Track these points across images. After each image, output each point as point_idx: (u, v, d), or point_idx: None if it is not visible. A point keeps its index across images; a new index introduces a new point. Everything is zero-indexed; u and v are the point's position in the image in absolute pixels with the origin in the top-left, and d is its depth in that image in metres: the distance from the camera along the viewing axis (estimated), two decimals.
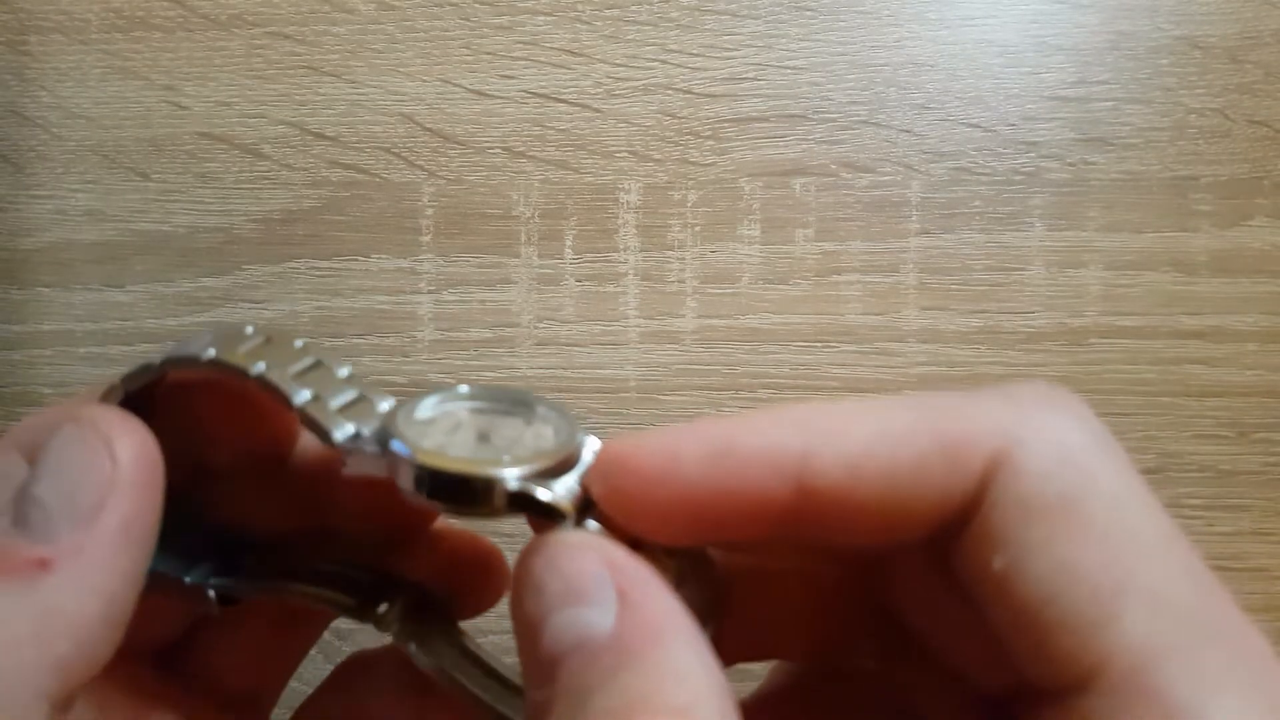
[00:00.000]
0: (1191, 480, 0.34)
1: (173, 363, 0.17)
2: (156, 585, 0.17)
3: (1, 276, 0.35)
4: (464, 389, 0.18)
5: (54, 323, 0.35)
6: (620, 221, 0.34)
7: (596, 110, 0.34)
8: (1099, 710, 0.13)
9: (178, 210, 0.35)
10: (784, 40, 0.34)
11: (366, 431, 0.16)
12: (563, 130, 0.34)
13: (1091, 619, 0.14)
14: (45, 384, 0.35)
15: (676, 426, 0.16)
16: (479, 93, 0.34)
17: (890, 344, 0.34)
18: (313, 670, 0.33)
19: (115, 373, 0.35)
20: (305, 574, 0.20)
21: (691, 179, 0.34)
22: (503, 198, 0.34)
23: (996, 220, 0.34)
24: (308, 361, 0.17)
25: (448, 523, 0.23)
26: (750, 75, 0.34)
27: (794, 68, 0.34)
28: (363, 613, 0.20)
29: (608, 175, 0.34)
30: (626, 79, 0.34)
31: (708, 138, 0.34)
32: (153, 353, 0.18)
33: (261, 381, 0.16)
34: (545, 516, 0.15)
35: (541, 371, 0.34)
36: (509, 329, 0.34)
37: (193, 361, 0.17)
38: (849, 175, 0.34)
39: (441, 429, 0.17)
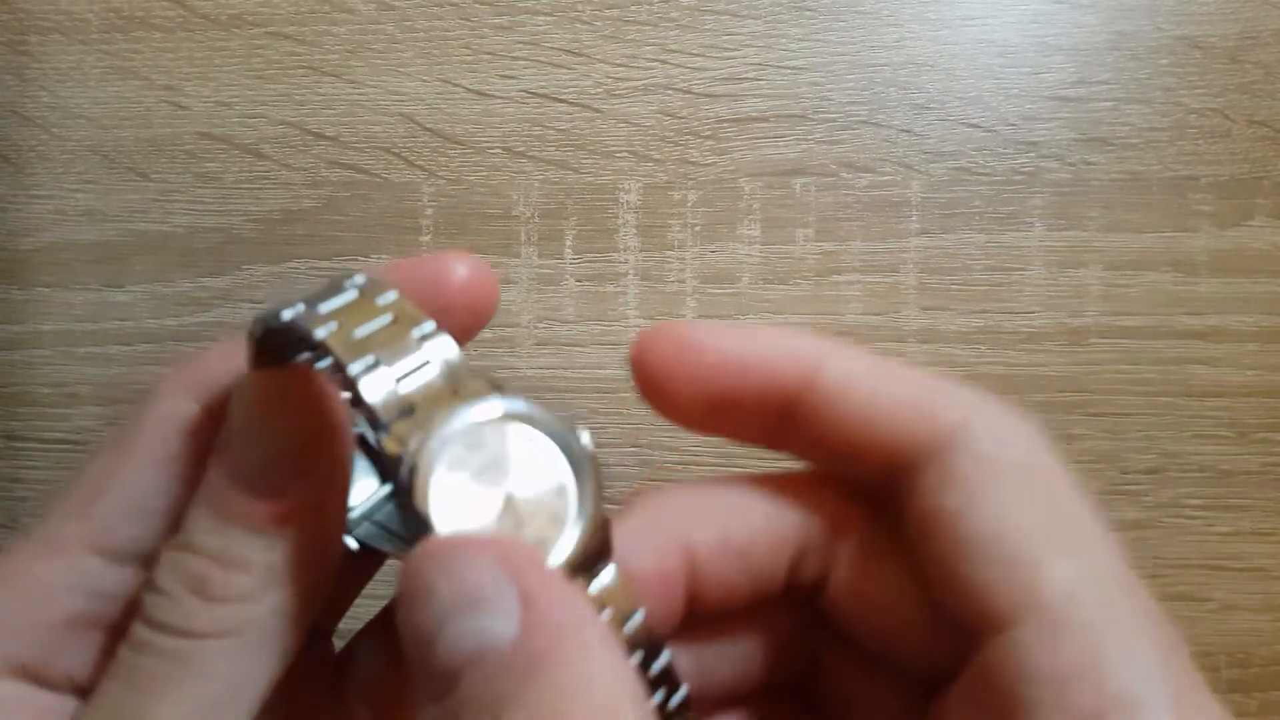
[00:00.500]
0: (1191, 480, 0.34)
1: (259, 323, 0.17)
2: None
3: (1, 276, 0.35)
4: (501, 407, 0.16)
5: (53, 323, 0.35)
6: (620, 221, 0.34)
7: (596, 110, 0.34)
8: (1029, 640, 0.15)
9: (177, 210, 0.35)
10: (784, 40, 0.34)
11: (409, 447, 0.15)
12: (563, 130, 0.34)
13: (1029, 557, 0.15)
14: (45, 384, 0.35)
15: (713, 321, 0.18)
16: (479, 93, 0.34)
17: (890, 344, 0.34)
18: None
19: (115, 373, 0.35)
20: None
21: (691, 179, 0.34)
22: (503, 198, 0.34)
23: (996, 220, 0.34)
24: (382, 321, 0.16)
25: None
26: (750, 75, 0.34)
27: (794, 68, 0.34)
28: None
29: (608, 175, 0.34)
30: (626, 79, 0.34)
31: (708, 138, 0.34)
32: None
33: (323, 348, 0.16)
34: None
35: (542, 371, 0.34)
36: (509, 329, 0.34)
37: (274, 319, 0.16)
38: (849, 175, 0.34)
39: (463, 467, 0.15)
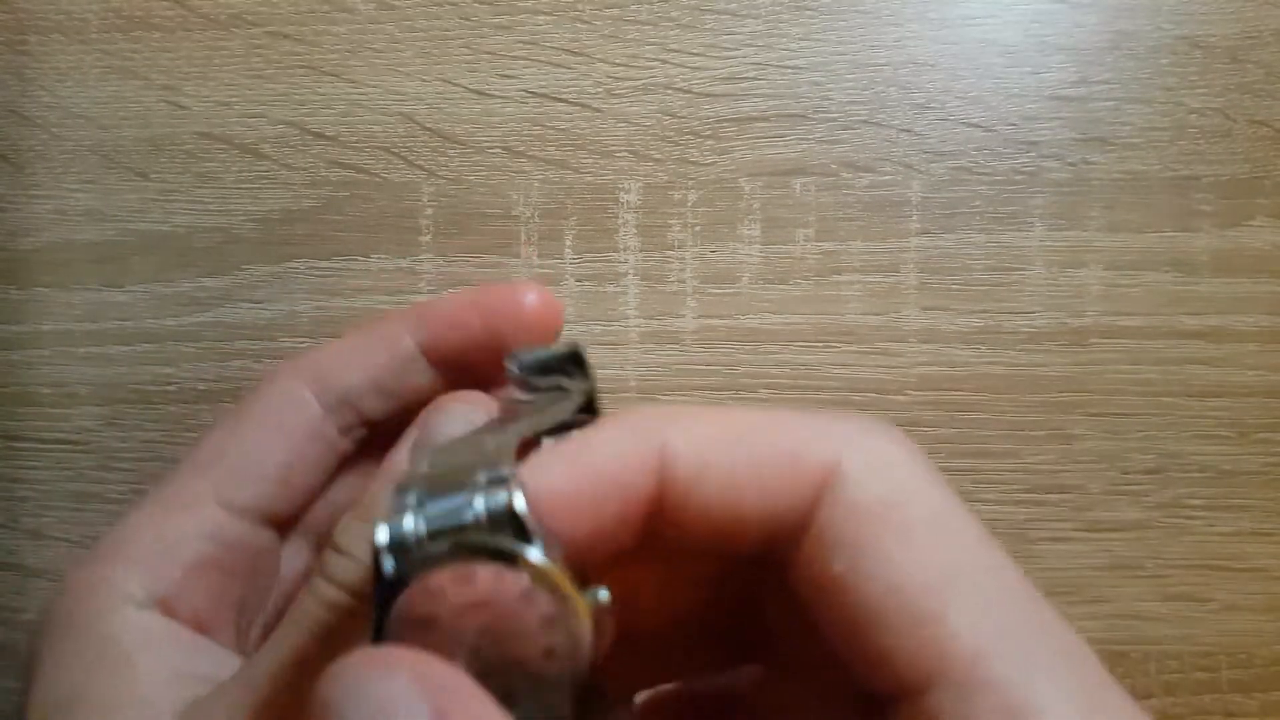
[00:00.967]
0: (1192, 481, 0.33)
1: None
2: None
3: (0, 277, 0.35)
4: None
5: (53, 323, 0.35)
6: (620, 221, 0.34)
7: (596, 110, 0.34)
8: (944, 705, 0.14)
9: (177, 210, 0.35)
10: (784, 40, 0.34)
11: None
12: (562, 130, 0.34)
13: (929, 612, 0.14)
14: (44, 384, 0.35)
15: (546, 453, 0.17)
16: (479, 92, 0.34)
17: (891, 344, 0.34)
18: None
19: (115, 373, 0.35)
20: None
21: (691, 179, 0.34)
22: (502, 198, 0.34)
23: (997, 220, 0.33)
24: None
25: None
26: (750, 75, 0.34)
27: (794, 67, 0.34)
28: None
29: (607, 175, 0.34)
30: (626, 78, 0.34)
31: (708, 137, 0.34)
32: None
33: None
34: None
35: None
36: None
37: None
38: (849, 175, 0.34)
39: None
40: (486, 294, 0.24)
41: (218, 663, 0.23)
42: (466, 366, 0.26)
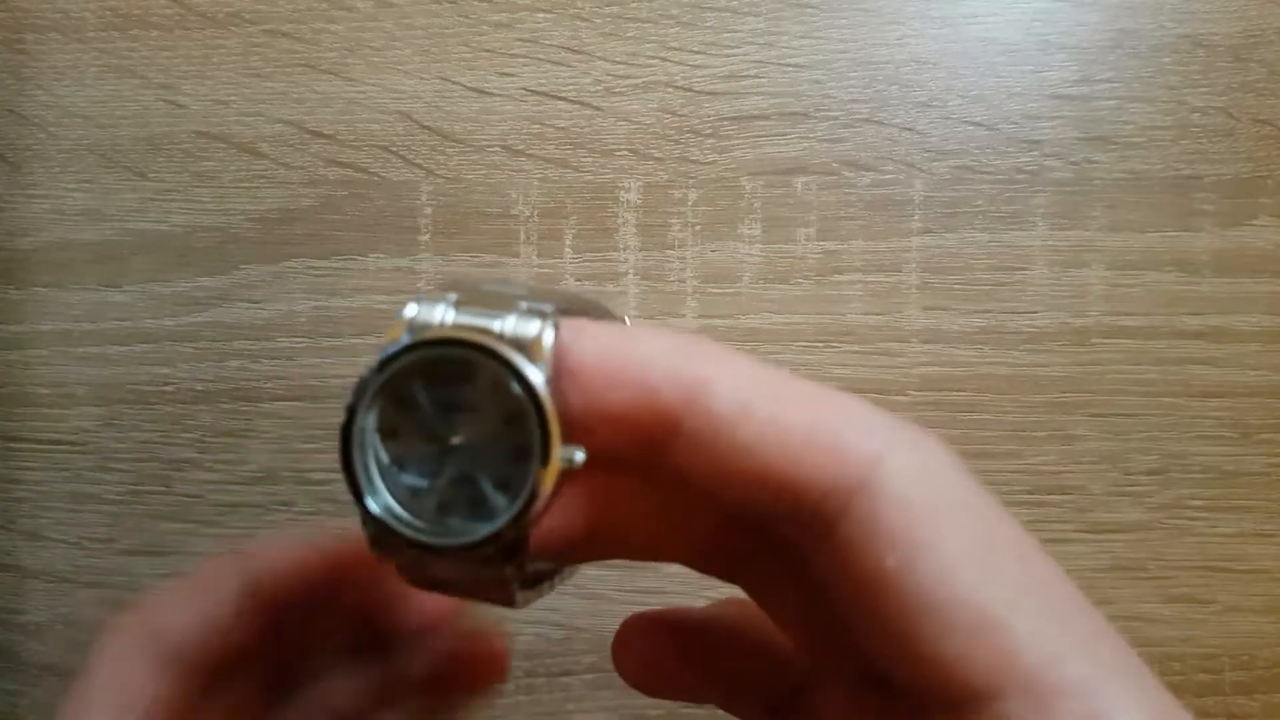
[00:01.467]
0: (1194, 481, 0.33)
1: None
2: None
3: None
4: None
5: (51, 323, 0.35)
6: (620, 220, 0.34)
7: (596, 108, 0.34)
8: (1015, 712, 0.14)
9: (175, 209, 0.34)
10: (785, 38, 0.34)
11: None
12: (562, 128, 0.34)
13: (995, 619, 0.14)
14: (42, 384, 0.35)
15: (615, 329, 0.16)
16: (478, 90, 0.34)
17: (892, 344, 0.33)
18: None
19: (113, 373, 0.35)
20: None
21: (692, 177, 0.34)
22: (502, 197, 0.34)
23: (999, 219, 0.33)
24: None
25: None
26: (751, 73, 0.34)
27: (795, 65, 0.34)
28: None
29: (607, 174, 0.34)
30: (626, 77, 0.34)
31: (708, 136, 0.34)
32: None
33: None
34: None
35: None
36: None
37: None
38: (851, 174, 0.33)
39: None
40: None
41: None
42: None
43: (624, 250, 0.34)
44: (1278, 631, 0.33)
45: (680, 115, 0.34)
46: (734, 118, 0.34)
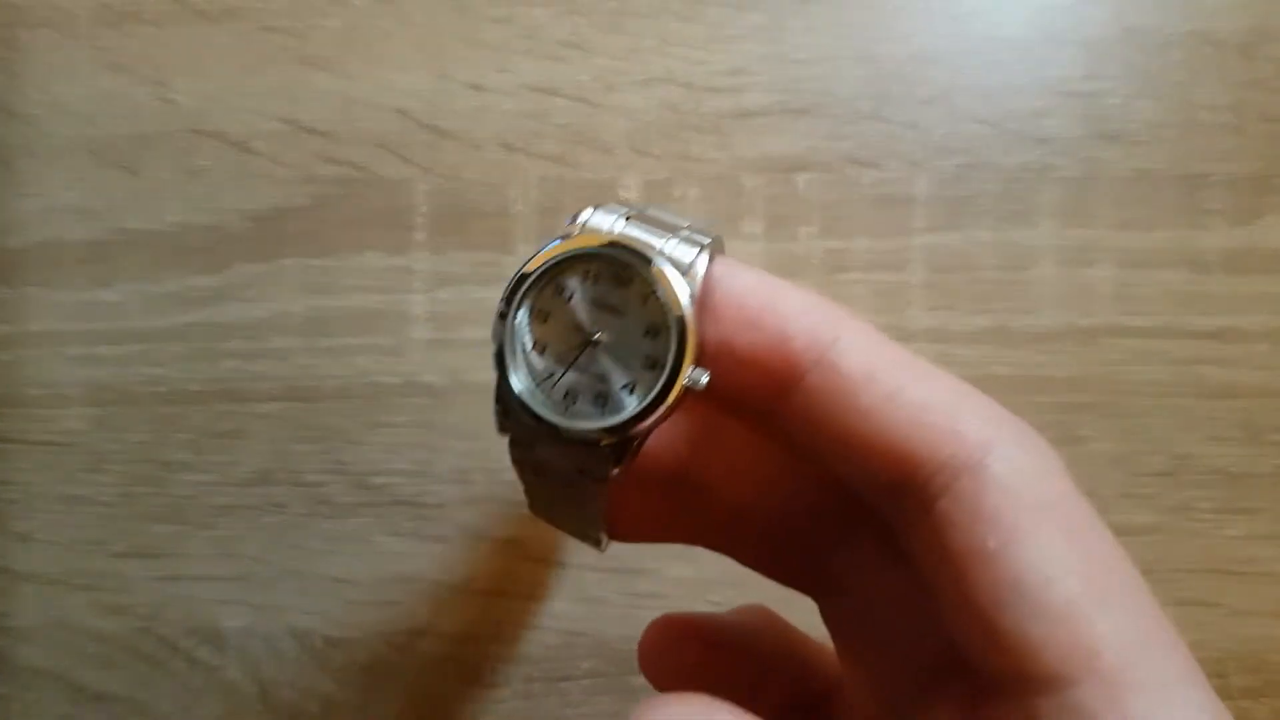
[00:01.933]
0: (1203, 483, 0.33)
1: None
2: None
3: None
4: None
5: (42, 323, 0.34)
6: None
7: (595, 104, 0.33)
8: (1090, 701, 0.14)
9: (167, 207, 0.34)
10: (787, 33, 0.33)
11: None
12: (560, 125, 0.33)
13: (1081, 611, 0.15)
14: (33, 385, 0.34)
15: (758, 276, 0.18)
16: (475, 86, 0.34)
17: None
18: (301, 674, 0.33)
19: (104, 374, 0.35)
20: None
21: (692, 175, 0.33)
22: (499, 194, 0.34)
23: (1005, 217, 0.33)
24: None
25: None
26: (752, 68, 0.33)
27: (797, 61, 0.33)
28: None
29: (607, 171, 0.33)
30: (625, 72, 0.33)
31: (709, 132, 0.33)
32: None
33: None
34: None
35: None
36: None
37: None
38: (854, 171, 0.33)
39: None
40: None
41: None
42: None
43: None
44: None
45: (680, 111, 0.33)
46: (735, 114, 0.33)
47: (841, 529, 0.20)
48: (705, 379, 0.17)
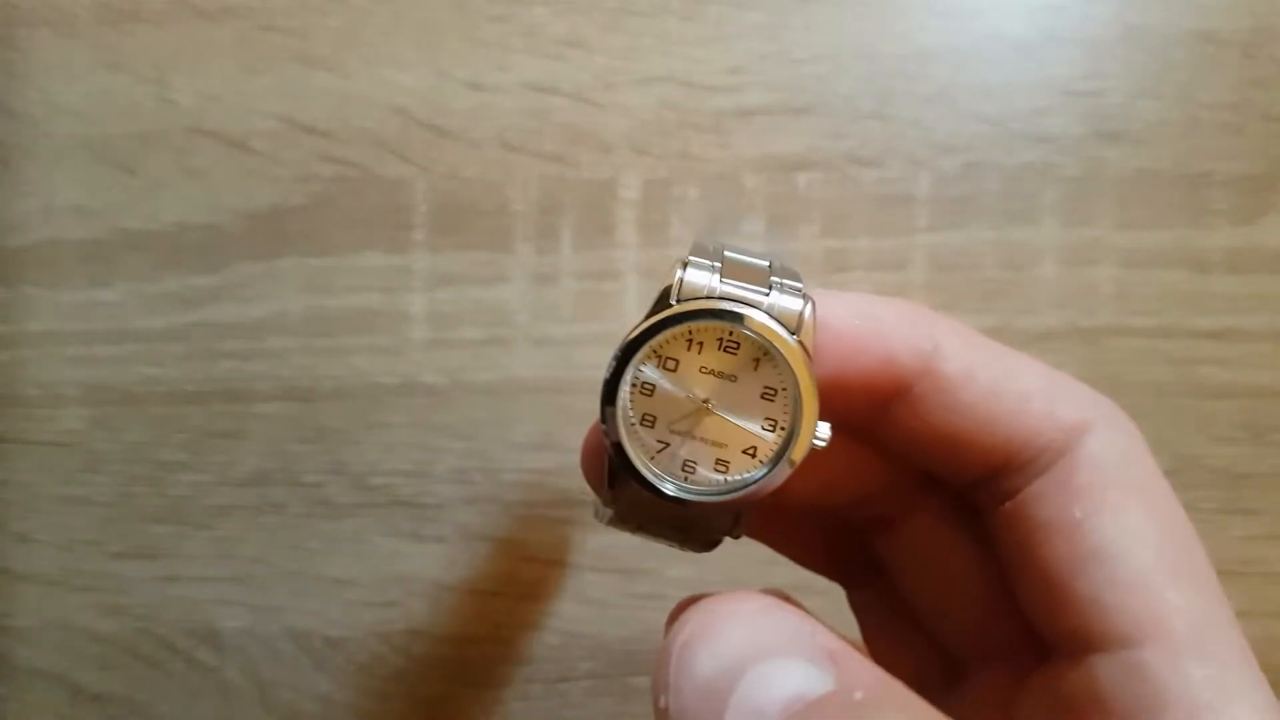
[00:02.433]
0: (1205, 483, 0.33)
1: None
2: None
3: None
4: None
5: (40, 322, 0.34)
6: (619, 218, 0.33)
7: (595, 103, 0.33)
8: (1154, 663, 0.15)
9: (165, 207, 0.34)
10: (787, 31, 0.33)
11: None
12: (560, 124, 0.33)
13: (1155, 581, 0.15)
14: (31, 385, 0.34)
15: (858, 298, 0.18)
16: (474, 85, 0.33)
17: None
18: (302, 676, 0.32)
19: (102, 374, 0.35)
20: None
21: (693, 174, 0.33)
22: (498, 193, 0.33)
23: (1007, 216, 0.33)
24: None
25: None
26: (752, 67, 0.33)
27: (798, 59, 0.33)
28: None
29: (606, 170, 0.33)
30: (626, 71, 0.33)
31: (709, 131, 0.33)
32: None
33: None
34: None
35: (538, 373, 0.33)
36: (504, 328, 0.33)
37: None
38: (855, 170, 0.33)
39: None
40: None
41: None
42: None
43: (623, 248, 0.33)
44: None
45: (681, 110, 0.33)
46: (735, 113, 0.33)
47: (890, 515, 0.20)
48: (827, 431, 0.18)
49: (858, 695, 0.13)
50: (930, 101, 0.33)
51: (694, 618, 0.14)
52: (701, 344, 0.18)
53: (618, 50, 0.33)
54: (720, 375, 0.18)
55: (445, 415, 0.33)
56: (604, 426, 0.18)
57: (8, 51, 0.34)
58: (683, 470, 0.18)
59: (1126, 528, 0.16)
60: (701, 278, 0.18)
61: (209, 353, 0.34)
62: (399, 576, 0.34)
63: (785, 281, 0.18)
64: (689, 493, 0.18)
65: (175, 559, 0.34)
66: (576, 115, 0.33)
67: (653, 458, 0.18)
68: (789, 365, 0.18)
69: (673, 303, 0.18)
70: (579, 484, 0.33)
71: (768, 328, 0.18)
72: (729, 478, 0.18)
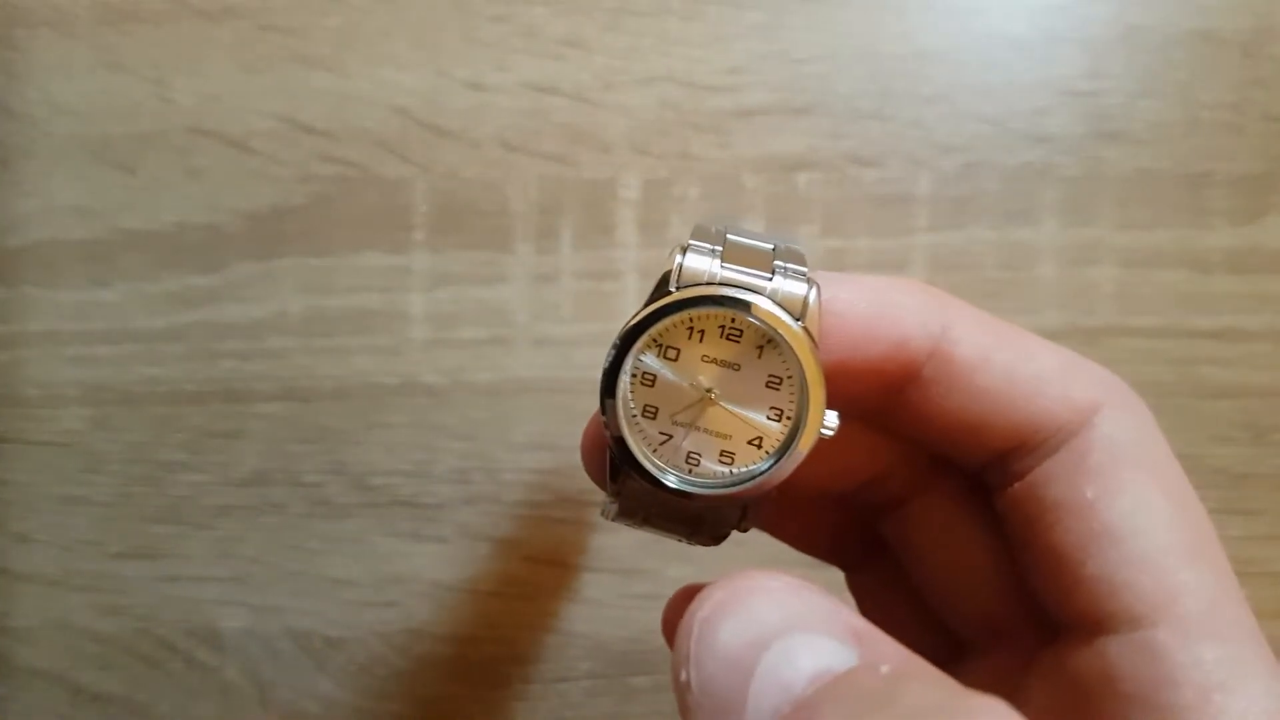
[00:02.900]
0: (1205, 483, 0.33)
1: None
2: None
3: None
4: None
5: (40, 322, 0.34)
6: (619, 217, 0.33)
7: (595, 103, 0.33)
8: (1165, 642, 0.15)
9: (165, 207, 0.34)
10: (787, 31, 0.33)
11: None
12: (560, 124, 0.33)
13: (1168, 561, 0.15)
14: (31, 385, 0.34)
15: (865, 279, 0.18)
16: (474, 85, 0.33)
17: None
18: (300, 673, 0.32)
19: (101, 374, 0.35)
20: None
21: (692, 174, 0.33)
22: (498, 193, 0.33)
23: (1007, 216, 0.33)
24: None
25: None
26: (752, 67, 0.33)
27: (798, 59, 0.33)
28: None
29: (606, 170, 0.33)
30: (625, 71, 0.33)
31: (709, 131, 0.33)
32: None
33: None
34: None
35: (538, 373, 0.33)
36: (504, 328, 0.33)
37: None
38: (855, 170, 0.33)
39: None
40: None
41: None
42: None
43: (623, 248, 0.33)
44: None
45: (681, 110, 0.33)
46: (735, 113, 0.33)
47: (899, 496, 0.20)
48: (835, 420, 0.17)
49: (884, 669, 0.13)
50: (930, 101, 0.33)
51: (716, 594, 0.14)
52: (703, 332, 0.18)
53: (618, 50, 0.33)
54: (723, 364, 0.18)
55: (445, 415, 0.33)
56: (604, 418, 0.18)
57: (8, 51, 0.34)
58: (687, 463, 0.18)
59: (1139, 507, 0.16)
60: (701, 262, 0.18)
61: (209, 353, 0.34)
62: (399, 576, 0.34)
63: (789, 265, 0.18)
64: (693, 486, 0.18)
65: (175, 559, 0.34)
66: (576, 115, 0.33)
67: (655, 450, 0.18)
68: (793, 352, 0.17)
69: (672, 289, 0.17)
70: (579, 484, 0.33)
71: (771, 314, 0.17)
72: (734, 470, 0.18)
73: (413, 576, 0.34)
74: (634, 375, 0.18)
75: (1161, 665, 0.15)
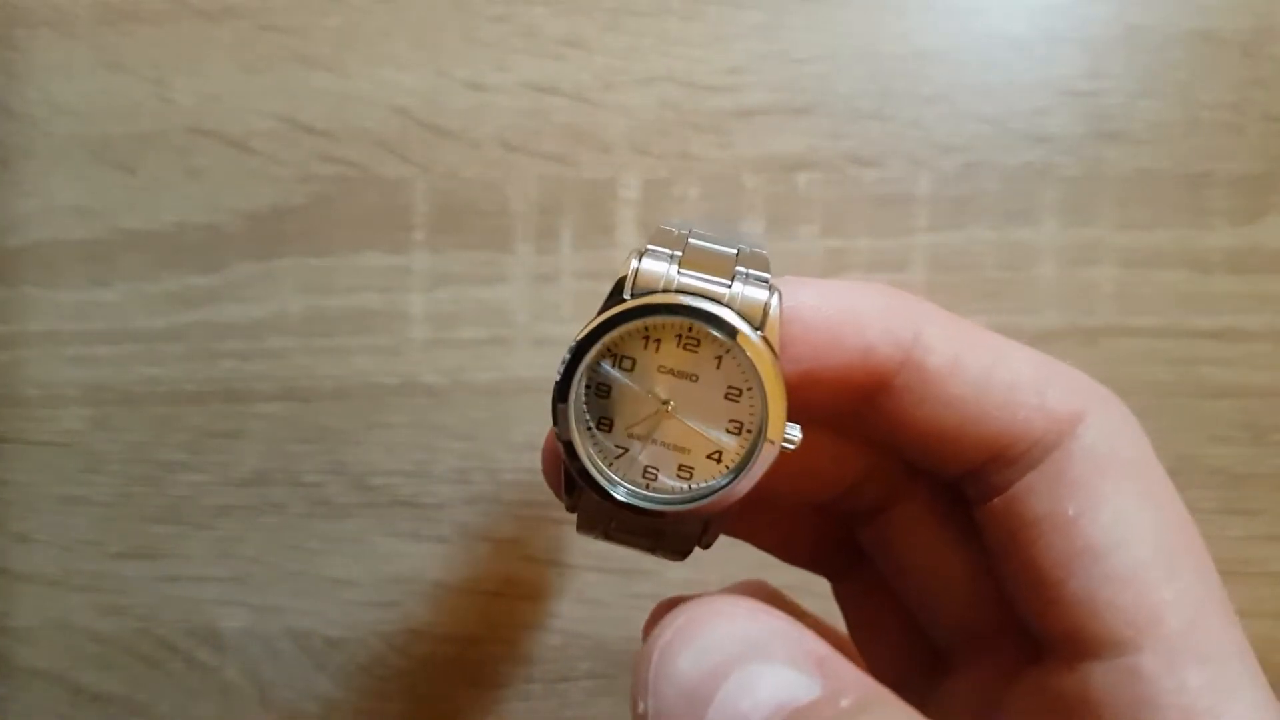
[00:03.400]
0: (1205, 483, 0.33)
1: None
2: None
3: None
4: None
5: (40, 322, 0.34)
6: (619, 217, 0.33)
7: (595, 103, 0.33)
8: (1149, 666, 0.14)
9: (165, 207, 0.34)
10: (787, 31, 0.33)
11: None
12: (560, 124, 0.33)
13: (1149, 576, 0.15)
14: (31, 385, 0.34)
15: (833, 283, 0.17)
16: (474, 85, 0.33)
17: None
18: (301, 675, 0.33)
19: (101, 374, 0.35)
20: None
21: (692, 174, 0.33)
22: (498, 193, 0.33)
23: (1007, 216, 0.33)
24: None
25: None
26: (752, 67, 0.33)
27: (798, 59, 0.33)
28: None
29: (606, 170, 0.33)
30: (625, 71, 0.33)
31: (709, 131, 0.33)
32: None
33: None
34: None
35: (538, 373, 0.33)
36: (504, 328, 0.33)
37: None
38: (855, 170, 0.33)
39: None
40: None
41: None
42: None
43: (624, 248, 0.33)
44: None
45: (680, 110, 0.33)
46: (735, 113, 0.33)
47: (876, 504, 0.20)
48: (798, 434, 0.16)
49: (844, 702, 0.13)
50: (930, 101, 0.33)
51: (676, 619, 0.14)
52: (659, 341, 0.17)
53: (617, 50, 0.33)
54: (680, 375, 0.17)
55: (445, 415, 0.33)
56: (555, 428, 0.17)
57: (8, 51, 0.34)
58: (644, 477, 0.17)
59: (1119, 520, 0.15)
60: (658, 268, 0.17)
61: (209, 353, 0.34)
62: (399, 576, 0.34)
63: (751, 271, 0.17)
64: (646, 500, 0.17)
65: (175, 559, 0.34)
66: (576, 115, 0.33)
67: (611, 464, 0.17)
68: (752, 363, 0.16)
69: (626, 296, 0.17)
70: None
71: (732, 331, 0.16)
72: (693, 485, 0.17)
73: (413, 576, 0.34)
74: (588, 385, 0.17)
75: (1145, 691, 0.14)
